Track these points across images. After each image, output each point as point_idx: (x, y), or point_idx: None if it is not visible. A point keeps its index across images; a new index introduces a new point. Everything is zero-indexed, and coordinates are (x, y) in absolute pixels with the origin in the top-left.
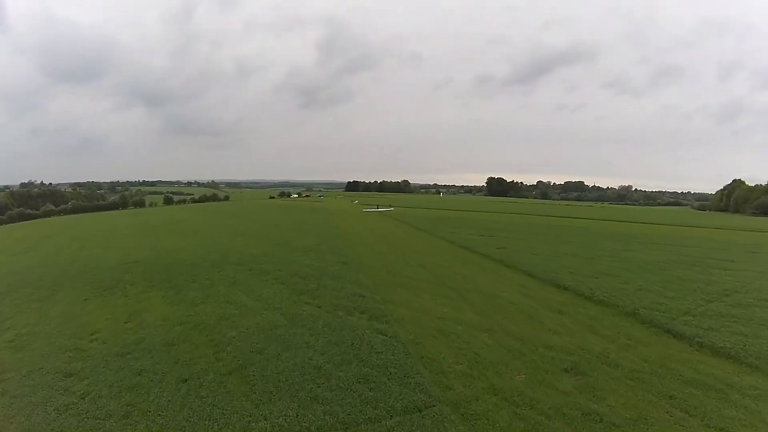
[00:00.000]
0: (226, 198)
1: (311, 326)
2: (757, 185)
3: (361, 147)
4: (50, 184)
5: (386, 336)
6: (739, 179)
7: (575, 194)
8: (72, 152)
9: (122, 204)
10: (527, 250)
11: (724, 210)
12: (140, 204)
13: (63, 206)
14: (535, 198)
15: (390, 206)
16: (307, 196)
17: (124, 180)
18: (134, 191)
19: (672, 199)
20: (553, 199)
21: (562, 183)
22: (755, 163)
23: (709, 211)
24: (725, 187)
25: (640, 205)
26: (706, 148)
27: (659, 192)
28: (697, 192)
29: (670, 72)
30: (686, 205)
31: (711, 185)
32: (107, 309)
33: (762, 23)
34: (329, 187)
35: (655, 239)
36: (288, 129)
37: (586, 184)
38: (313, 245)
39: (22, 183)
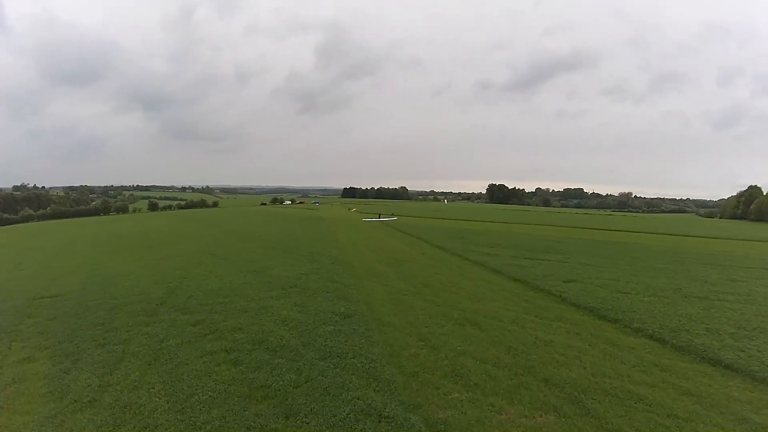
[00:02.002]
0: (215, 204)
1: None
2: None
3: (359, 153)
4: (43, 187)
5: None
6: (756, 185)
7: (575, 201)
8: (70, 155)
9: (104, 209)
10: (611, 285)
11: (741, 218)
12: (123, 210)
13: (42, 211)
14: (537, 206)
15: (393, 215)
16: (301, 202)
17: (119, 184)
18: (126, 196)
19: (675, 206)
20: (554, 206)
21: (562, 190)
22: (756, 169)
23: (720, 217)
24: (740, 194)
25: (643, 212)
26: (706, 154)
27: (659, 199)
28: (697, 198)
29: (671, 78)
30: (690, 212)
31: (711, 192)
32: None
33: (763, 28)
34: (326, 194)
35: (740, 260)
36: (286, 134)
37: (585, 191)
38: (299, 276)
39: (14, 186)
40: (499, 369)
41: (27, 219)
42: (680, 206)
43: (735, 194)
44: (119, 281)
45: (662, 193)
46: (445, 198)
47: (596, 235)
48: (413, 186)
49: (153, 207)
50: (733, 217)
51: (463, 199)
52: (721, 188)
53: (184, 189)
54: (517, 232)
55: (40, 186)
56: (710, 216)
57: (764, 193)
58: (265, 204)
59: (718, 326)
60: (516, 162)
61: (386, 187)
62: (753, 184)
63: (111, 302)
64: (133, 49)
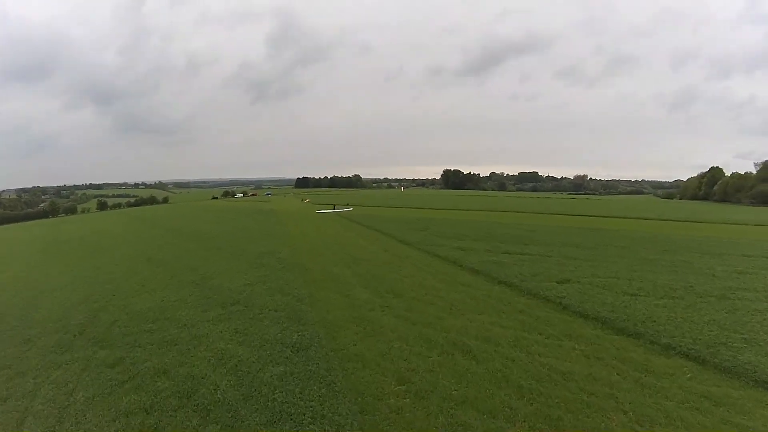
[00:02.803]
0: (165, 200)
1: None
2: (747, 173)
3: (312, 141)
4: None
5: None
6: (717, 166)
7: (530, 185)
8: (22, 155)
9: (52, 211)
10: (614, 285)
11: (704, 199)
12: (72, 210)
13: None
14: (493, 190)
15: (348, 205)
16: (253, 194)
17: (72, 183)
18: (79, 195)
19: (631, 188)
20: (510, 190)
21: (517, 174)
22: (708, 151)
23: (680, 198)
24: (702, 175)
25: (600, 194)
26: (659, 136)
27: (615, 181)
28: (652, 180)
29: (624, 61)
30: (647, 193)
31: (665, 173)
32: None
33: (718, 12)
34: (279, 184)
35: (733, 247)
36: (239, 124)
37: (540, 174)
38: (243, 287)
39: None
40: (515, 426)
41: None
42: (636, 188)
43: (696, 175)
44: (43, 301)
45: (617, 175)
46: (401, 185)
47: (568, 221)
48: (367, 174)
49: (102, 206)
50: (695, 198)
51: (418, 185)
52: (674, 169)
53: (137, 185)
54: (484, 221)
55: None
56: (669, 197)
57: (726, 174)
58: (216, 198)
59: (755, 336)
60: (470, 146)
61: (340, 176)
62: (714, 165)
63: (26, 333)
64: (84, 42)
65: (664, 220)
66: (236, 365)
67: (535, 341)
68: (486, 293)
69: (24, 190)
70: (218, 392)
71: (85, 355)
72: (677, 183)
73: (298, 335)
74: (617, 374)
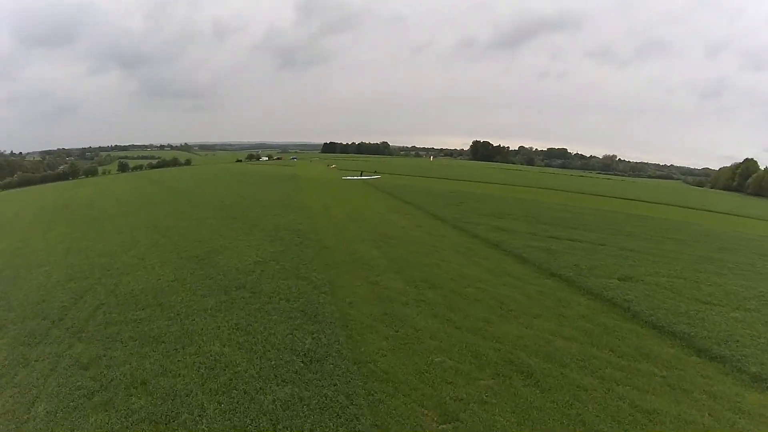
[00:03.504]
0: (188, 162)
1: None
2: None
3: (339, 109)
4: (20, 153)
5: None
6: (752, 158)
7: (559, 162)
8: (47, 119)
9: (72, 173)
10: (681, 288)
11: (737, 190)
12: (92, 172)
13: (8, 179)
14: (521, 164)
15: (376, 173)
16: (278, 158)
17: (96, 145)
18: (103, 157)
19: (660, 172)
20: (538, 166)
21: (545, 149)
22: (737, 141)
23: (712, 188)
24: (736, 166)
25: (629, 176)
26: (688, 123)
27: (643, 163)
28: (680, 165)
29: (657, 46)
30: (676, 179)
31: (692, 160)
32: None
33: (752, 5)
34: (305, 149)
35: None
36: (265, 91)
37: (569, 151)
38: (252, 267)
39: None
40: None
41: None
42: (665, 172)
43: (729, 165)
44: (28, 278)
45: (645, 158)
46: (431, 155)
47: (612, 204)
48: (394, 141)
49: (123, 168)
50: (727, 188)
51: (446, 155)
52: (701, 158)
53: (162, 147)
54: (523, 198)
55: (17, 152)
56: (699, 185)
57: (761, 168)
58: (240, 161)
59: None
60: (498, 120)
61: (367, 142)
62: (748, 157)
63: (1, 317)
64: (109, 8)
65: (709, 211)
66: (230, 380)
67: (608, 362)
68: (538, 289)
69: (48, 153)
70: (203, 421)
71: (58, 350)
72: (705, 171)
73: (313, 339)
74: (709, 415)
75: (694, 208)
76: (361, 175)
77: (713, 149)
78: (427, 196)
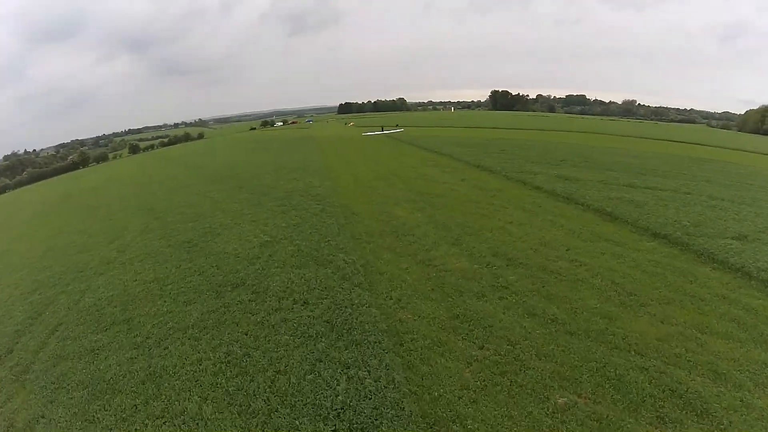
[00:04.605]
0: (201, 136)
1: None
2: None
3: (353, 69)
4: (34, 150)
5: None
6: None
7: (578, 108)
8: (61, 113)
9: (82, 162)
10: None
11: (766, 134)
12: (103, 158)
13: (18, 178)
14: (542, 112)
15: (398, 126)
16: (293, 122)
17: (110, 132)
18: (117, 142)
19: (682, 117)
20: (559, 113)
21: (564, 97)
22: (757, 86)
23: (739, 131)
24: (765, 108)
25: (651, 120)
26: (707, 68)
27: (664, 108)
28: (701, 110)
29: None
30: (700, 123)
31: (712, 104)
32: None
33: None
34: (321, 112)
35: None
36: (278, 58)
37: (588, 97)
38: (258, 252)
39: (5, 155)
40: None
41: (3, 189)
42: (686, 116)
43: (756, 108)
44: None
45: (664, 102)
46: (451, 107)
47: (666, 147)
48: (410, 98)
49: (134, 150)
50: (756, 132)
51: (464, 107)
52: (719, 102)
53: (176, 125)
54: (569, 143)
55: (31, 150)
56: (725, 128)
57: None
58: (255, 128)
59: None
60: (515, 70)
61: (383, 100)
62: None
63: None
64: None
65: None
66: None
67: None
68: (649, 257)
69: (62, 146)
70: None
71: None
72: (726, 115)
73: (349, 381)
74: None
75: (747, 151)
76: (382, 130)
77: (731, 93)
78: (460, 146)
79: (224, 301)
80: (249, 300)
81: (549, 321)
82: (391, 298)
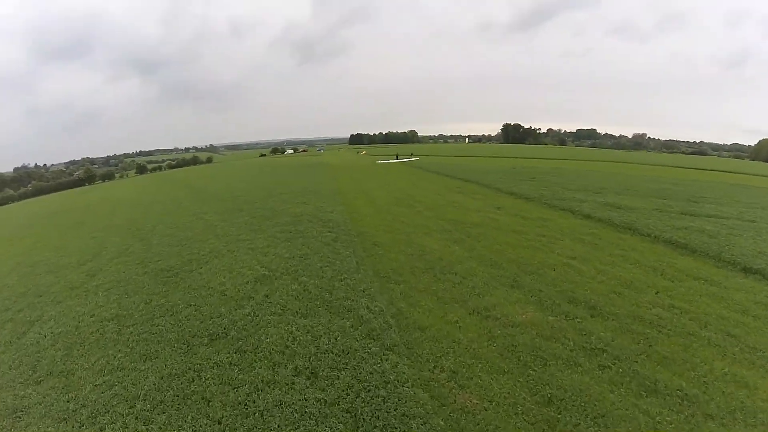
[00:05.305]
0: (209, 160)
1: None
2: None
3: (362, 99)
4: (44, 165)
5: None
6: None
7: (589, 142)
8: (70, 130)
9: (88, 179)
10: None
11: None
12: (109, 177)
13: (23, 189)
14: (554, 145)
15: (412, 155)
16: (304, 150)
17: (121, 152)
18: (128, 162)
19: (691, 149)
20: (570, 147)
21: (574, 131)
22: (763, 112)
23: (753, 160)
24: None
25: (663, 152)
26: (712, 97)
27: (674, 141)
28: (711, 142)
29: (677, 18)
30: (711, 155)
31: (717, 135)
32: None
33: None
34: (332, 142)
35: None
36: (287, 86)
37: (598, 131)
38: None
39: (15, 168)
40: None
41: (6, 201)
42: (696, 148)
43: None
44: None
45: (673, 135)
46: (467, 139)
47: (698, 174)
48: (422, 131)
49: (141, 170)
50: None
51: (474, 141)
52: (725, 131)
53: (187, 150)
54: (599, 171)
55: (41, 164)
56: (737, 158)
57: None
58: (264, 155)
59: None
60: (524, 102)
61: (395, 132)
62: None
63: None
64: (122, 15)
65: None
66: None
67: None
68: (753, 298)
69: (73, 163)
70: None
71: None
72: (736, 146)
73: None
74: None
75: None
76: (396, 158)
77: (737, 122)
78: (485, 173)
79: (196, 360)
80: (230, 362)
81: (678, 400)
82: (442, 370)
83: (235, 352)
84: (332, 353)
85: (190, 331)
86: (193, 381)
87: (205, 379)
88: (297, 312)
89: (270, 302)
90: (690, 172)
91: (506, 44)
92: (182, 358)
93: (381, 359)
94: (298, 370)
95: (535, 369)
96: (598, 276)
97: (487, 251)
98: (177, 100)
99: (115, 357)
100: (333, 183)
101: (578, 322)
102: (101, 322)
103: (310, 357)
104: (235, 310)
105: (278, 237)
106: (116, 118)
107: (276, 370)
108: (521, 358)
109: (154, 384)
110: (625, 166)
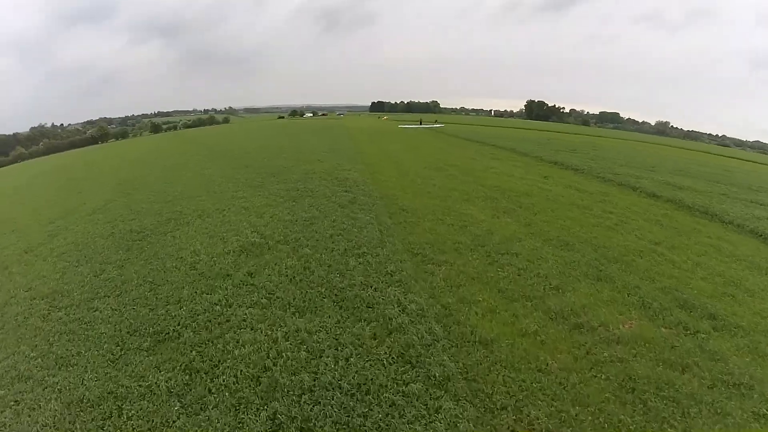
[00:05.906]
0: (226, 120)
1: None
2: None
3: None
4: (61, 124)
5: None
6: None
7: (612, 125)
8: (89, 92)
9: (101, 137)
10: None
11: None
12: (123, 135)
13: (34, 148)
14: (577, 125)
15: (436, 122)
16: (323, 115)
17: (140, 113)
18: (145, 122)
19: (713, 141)
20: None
21: (597, 113)
22: None
23: None
24: None
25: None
26: (738, 95)
27: (696, 132)
28: (733, 137)
29: (706, 12)
30: (733, 148)
31: (742, 132)
32: None
33: None
34: (353, 110)
35: None
36: (310, 54)
37: (621, 116)
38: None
39: (31, 127)
40: None
41: (18, 159)
42: (719, 142)
43: None
44: None
45: (696, 127)
46: (491, 111)
47: (739, 164)
48: (443, 103)
49: (156, 129)
50: None
51: (496, 116)
52: (749, 130)
53: (206, 111)
54: (641, 150)
55: (58, 124)
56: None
57: None
58: (283, 117)
59: None
60: (547, 84)
61: (417, 101)
62: None
63: None
64: None
65: None
66: None
67: None
68: None
69: (90, 123)
70: None
71: None
72: (758, 143)
73: None
74: None
75: None
76: (420, 124)
77: (760, 124)
78: (521, 141)
79: (123, 378)
80: (170, 390)
81: None
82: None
83: (183, 371)
84: (340, 391)
85: (130, 324)
86: (109, 418)
87: (127, 419)
88: (290, 304)
89: (253, 285)
90: (731, 161)
91: (533, 25)
92: (107, 371)
93: (427, 409)
94: (277, 424)
95: (675, 425)
96: (698, 270)
97: (551, 227)
98: (198, 64)
99: (24, 358)
100: (353, 144)
101: (702, 338)
102: (33, 299)
103: (301, 395)
104: (201, 294)
105: (281, 195)
106: (137, 81)
107: (240, 418)
108: (649, 404)
109: (53, 417)
110: (660, 148)
